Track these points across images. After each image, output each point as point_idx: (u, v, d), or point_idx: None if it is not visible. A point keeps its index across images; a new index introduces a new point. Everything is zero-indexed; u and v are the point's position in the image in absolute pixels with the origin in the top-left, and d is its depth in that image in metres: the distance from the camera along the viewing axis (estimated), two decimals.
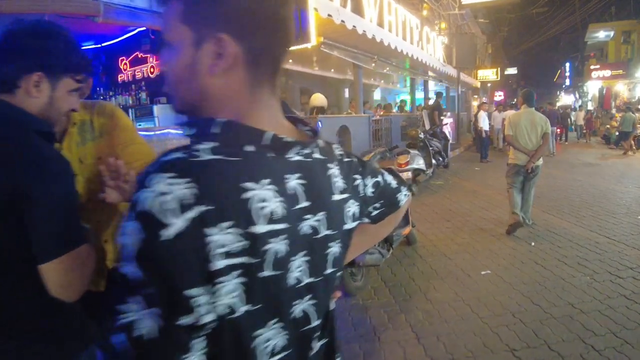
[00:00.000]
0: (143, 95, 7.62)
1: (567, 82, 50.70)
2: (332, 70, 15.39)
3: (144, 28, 7.58)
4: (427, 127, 11.39)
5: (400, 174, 8.02)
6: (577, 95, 42.37)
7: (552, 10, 27.94)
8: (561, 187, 8.75)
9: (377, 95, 22.96)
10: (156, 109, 7.23)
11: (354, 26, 8.37)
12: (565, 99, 54.26)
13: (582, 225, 5.89)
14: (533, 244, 5.13)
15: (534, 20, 30.77)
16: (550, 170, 11.02)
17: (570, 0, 26.87)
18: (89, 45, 9.26)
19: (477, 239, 5.43)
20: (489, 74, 26.75)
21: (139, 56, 8.30)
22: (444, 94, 21.78)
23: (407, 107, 16.85)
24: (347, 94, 17.30)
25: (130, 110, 7.85)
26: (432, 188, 8.99)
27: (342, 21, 7.55)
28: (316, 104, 11.91)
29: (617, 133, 16.41)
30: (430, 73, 17.20)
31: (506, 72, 40.95)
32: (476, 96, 27.09)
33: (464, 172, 11.12)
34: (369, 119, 11.31)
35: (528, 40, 33.40)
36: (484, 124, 13.13)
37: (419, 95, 19.46)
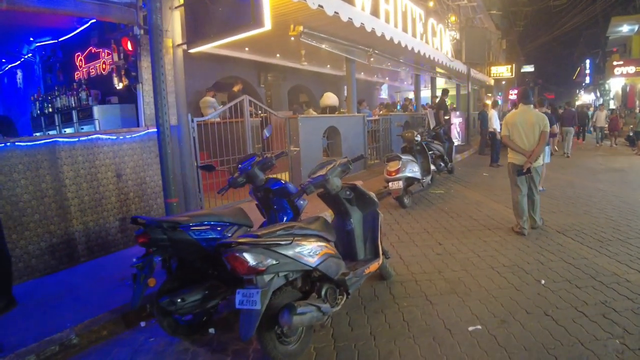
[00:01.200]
0: (83, 94, 6.60)
1: (587, 80, 48.73)
2: (329, 66, 14.29)
3: (94, 20, 6.67)
4: (433, 127, 10.25)
5: (390, 183, 6.91)
6: (598, 94, 40.42)
7: (572, 3, 26.30)
8: (581, 198, 7.51)
9: (384, 93, 21.78)
10: (97, 110, 6.25)
11: (336, 12, 7.26)
12: (584, 98, 52.24)
13: (608, 253, 4.69)
14: (543, 282, 3.97)
15: (551, 13, 29.22)
16: (568, 176, 9.76)
17: None
18: (45, 41, 8.35)
19: (472, 273, 4.28)
20: (503, 71, 25.37)
21: (92, 51, 7.32)
22: (454, 92, 20.60)
23: (414, 106, 15.69)
24: (346, 92, 16.20)
25: (73, 113, 6.89)
26: (429, 198, 7.84)
27: (320, 6, 6.44)
28: (328, 103, 11.21)
29: (631, 133, 16.12)
30: (438, 69, 15.99)
31: (522, 70, 39.31)
32: (490, 94, 25.69)
33: (469, 179, 9.91)
34: (363, 119, 10.19)
35: (545, 34, 31.73)
36: (495, 124, 11.87)
37: (427, 93, 18.31)
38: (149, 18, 4.20)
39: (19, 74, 9.52)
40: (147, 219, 3.05)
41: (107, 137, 5.19)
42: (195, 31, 5.92)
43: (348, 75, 10.21)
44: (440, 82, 20.84)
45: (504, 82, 29.61)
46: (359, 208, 3.84)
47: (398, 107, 14.69)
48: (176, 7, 5.92)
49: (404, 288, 3.98)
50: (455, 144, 15.29)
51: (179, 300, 3.05)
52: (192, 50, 6.15)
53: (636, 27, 26.28)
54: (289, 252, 2.75)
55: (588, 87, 49.07)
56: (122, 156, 5.33)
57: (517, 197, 5.46)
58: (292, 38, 8.19)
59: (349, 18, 7.63)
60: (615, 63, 25.70)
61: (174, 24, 5.94)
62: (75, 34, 7.74)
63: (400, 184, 6.80)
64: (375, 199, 3.87)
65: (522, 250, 4.87)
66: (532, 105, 5.55)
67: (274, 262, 2.64)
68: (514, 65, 25.99)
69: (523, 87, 6.54)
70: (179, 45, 5.95)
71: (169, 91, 5.75)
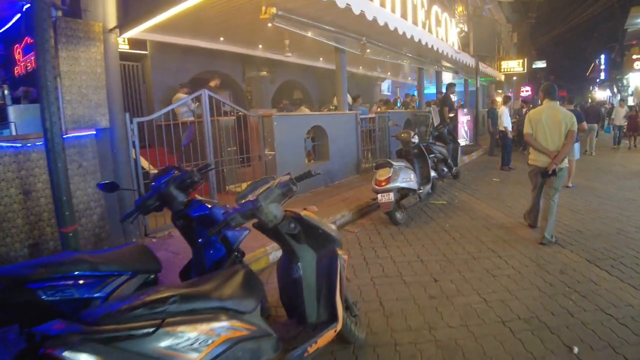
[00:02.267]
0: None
1: (602, 75, 46.96)
2: (321, 59, 13.11)
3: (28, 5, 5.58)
4: (435, 125, 9.05)
5: (379, 196, 5.73)
6: (615, 90, 38.69)
7: None
8: (609, 211, 6.26)
9: (386, 89, 20.54)
10: (12, 111, 5.16)
11: None
12: (599, 95, 50.45)
13: None
14: (576, 350, 2.76)
15: (565, 4, 27.68)
16: (589, 181, 8.51)
17: None
18: None
19: (475, 331, 3.08)
20: (514, 66, 23.91)
21: (28, 42, 6.25)
22: (462, 89, 19.30)
23: (416, 103, 14.45)
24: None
25: None
26: (429, 211, 6.64)
27: None
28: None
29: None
30: (444, 63, 14.72)
31: (534, 66, 37.74)
32: (500, 90, 24.29)
33: (477, 185, 8.68)
34: (356, 117, 8.99)
35: (559, 26, 30.10)
36: (506, 122, 10.62)
37: (434, 89, 17.05)
38: None
39: None
40: None
41: (9, 144, 4.07)
42: (125, 12, 4.79)
43: (338, 67, 9.03)
44: (448, 78, 19.59)
45: (514, 78, 28.09)
46: (310, 246, 2.63)
47: (398, 104, 13.43)
48: None
49: (376, 358, 2.80)
50: (463, 144, 14.06)
51: None
52: (126, 35, 5.04)
53: None
54: (151, 348, 1.60)
55: (603, 84, 47.32)
56: (30, 168, 4.21)
57: (533, 200, 5.34)
58: (270, 24, 7.02)
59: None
60: (635, 57, 24.24)
61: (106, 6, 4.81)
62: (13, 24, 6.69)
63: (391, 196, 5.61)
64: (334, 235, 2.67)
65: (543, 292, 3.66)
66: (557, 102, 4.99)
67: None
68: (525, 59, 24.49)
69: (548, 82, 5.56)
70: (110, 30, 4.81)
71: (98, 86, 4.67)
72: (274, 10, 6.60)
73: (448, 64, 15.35)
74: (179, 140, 5.43)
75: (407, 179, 5.88)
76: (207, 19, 7.46)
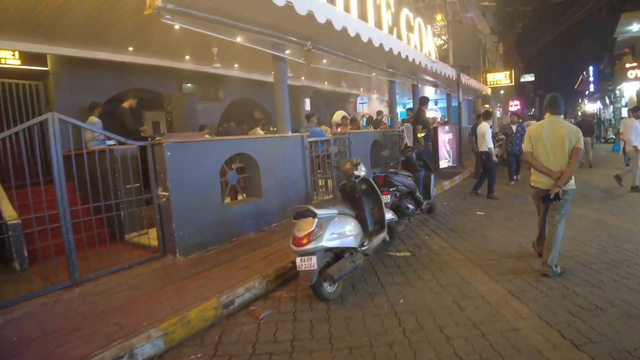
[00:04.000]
0: None
1: (592, 88, 45.93)
2: (291, 74, 11.34)
3: None
4: (402, 148, 7.24)
5: (298, 260, 3.81)
6: (607, 101, 37.40)
7: (574, 1, 23.43)
8: (637, 262, 4.42)
9: (362, 106, 18.81)
10: None
11: None
12: (589, 107, 49.40)
13: None
14: None
15: (552, 13, 26.49)
16: (595, 211, 6.66)
17: None
18: None
19: None
20: (501, 78, 22.42)
21: None
22: (445, 104, 17.62)
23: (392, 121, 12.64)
24: (307, 105, 13.22)
25: None
26: (381, 271, 4.72)
27: None
28: (336, 121, 9.93)
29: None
30: (424, 76, 13.03)
31: (522, 80, 36.51)
32: (487, 105, 22.70)
33: (456, 222, 6.80)
34: (302, 140, 7.14)
35: (546, 35, 28.78)
36: (488, 141, 8.85)
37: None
38: None
39: None
40: None
41: None
42: None
43: (276, 79, 7.20)
44: (429, 92, 17.96)
45: (502, 92, 26.65)
46: None
47: (363, 123, 11.59)
48: None
49: None
50: (445, 165, 12.27)
51: None
52: None
53: None
54: None
55: (593, 95, 46.22)
56: None
57: (540, 224, 4.69)
58: (170, 23, 5.22)
59: None
60: (628, 65, 22.76)
61: None
62: None
63: (313, 261, 3.70)
64: None
65: None
66: (562, 116, 4.41)
67: None
68: (512, 71, 23.00)
69: (552, 93, 4.52)
70: None
71: None
72: (158, 2, 4.79)
73: (428, 77, 13.69)
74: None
75: (340, 233, 3.98)
76: (79, 21, 5.70)
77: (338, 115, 13.45)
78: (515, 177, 10.43)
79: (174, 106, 8.22)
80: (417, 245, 5.63)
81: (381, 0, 9.17)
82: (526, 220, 6.58)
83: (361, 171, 4.73)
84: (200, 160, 5.32)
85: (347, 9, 7.56)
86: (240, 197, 6.54)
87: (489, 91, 22.34)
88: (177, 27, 5.45)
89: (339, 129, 10.12)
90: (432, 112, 21.27)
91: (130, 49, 7.63)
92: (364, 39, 7.33)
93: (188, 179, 5.14)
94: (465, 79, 15.12)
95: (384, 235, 4.80)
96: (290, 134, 7.08)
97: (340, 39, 7.27)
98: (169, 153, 4.91)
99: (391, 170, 6.04)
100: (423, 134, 8.28)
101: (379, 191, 4.88)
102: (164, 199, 4.99)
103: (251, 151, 6.12)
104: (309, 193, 7.20)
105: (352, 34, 6.92)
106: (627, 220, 6.41)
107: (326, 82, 13.09)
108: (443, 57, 14.21)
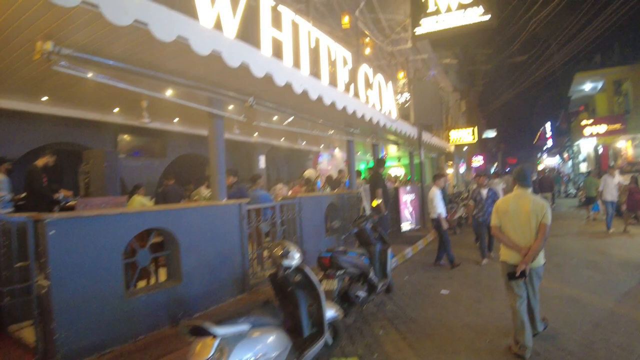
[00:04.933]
0: None
1: (550, 143, 47.58)
2: (237, 130, 10.56)
3: None
4: (355, 219, 6.35)
5: None
6: (566, 156, 38.48)
7: (532, 60, 24.22)
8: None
9: (325, 163, 18.11)
10: None
11: (137, 21, 3.62)
12: (548, 161, 50.97)
13: None
14: None
15: (510, 72, 27.33)
16: (568, 286, 5.83)
17: (550, 49, 23.16)
18: None
19: None
20: (463, 135, 22.40)
21: None
22: (408, 161, 17.16)
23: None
24: (262, 163, 12.37)
25: None
26: None
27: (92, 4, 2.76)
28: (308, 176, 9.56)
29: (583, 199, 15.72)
30: (385, 134, 12.50)
31: (484, 136, 37.24)
32: (450, 162, 22.54)
33: (417, 306, 5.86)
34: (239, 209, 6.17)
35: (506, 93, 29.53)
36: (439, 207, 8.18)
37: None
38: None
39: None
40: None
41: None
42: None
43: (212, 138, 6.28)
44: (394, 149, 17.54)
45: (465, 149, 26.76)
46: None
47: (318, 185, 10.76)
48: None
49: None
50: (407, 228, 11.48)
51: None
52: None
53: (600, 85, 24.43)
54: None
55: (551, 150, 47.78)
56: None
57: (515, 305, 4.15)
58: (68, 72, 4.30)
59: (179, 36, 4.00)
60: (584, 123, 23.39)
61: None
62: None
63: None
64: None
65: None
66: (530, 189, 4.28)
67: None
68: (475, 128, 23.10)
69: (520, 166, 4.45)
70: None
71: None
72: (49, 46, 3.90)
73: (392, 136, 13.20)
74: None
75: (256, 356, 2.96)
76: None
77: (309, 174, 12.66)
78: (488, 254, 8.64)
79: (92, 165, 7.15)
80: (369, 345, 4.60)
81: (337, 56, 8.67)
82: (496, 302, 5.75)
83: (293, 259, 3.76)
84: (98, 238, 4.25)
85: (297, 64, 6.93)
86: (154, 281, 5.42)
87: (452, 148, 22.24)
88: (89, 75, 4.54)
89: (289, 192, 9.23)
90: (397, 169, 20.91)
91: (45, 98, 6.65)
92: (313, 96, 6.64)
93: (79, 263, 4.05)
94: (427, 137, 14.73)
95: (323, 342, 3.79)
96: (223, 201, 6.10)
97: (287, 95, 6.55)
98: (52, 232, 3.84)
99: (338, 249, 5.11)
100: (379, 201, 7.47)
101: (317, 285, 3.90)
102: (44, 290, 3.87)
103: (169, 224, 5.09)
104: (246, 273, 6.14)
105: (298, 91, 6.22)
106: (607, 298, 5.66)
107: (283, 139, 12.33)
108: (405, 114, 13.85)
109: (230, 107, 7.18)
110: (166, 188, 8.83)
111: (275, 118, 8.54)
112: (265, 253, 6.83)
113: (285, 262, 3.70)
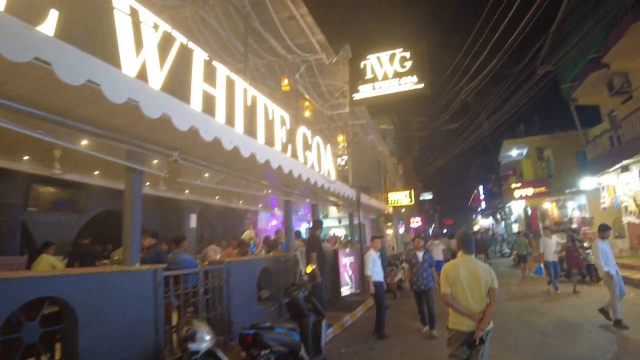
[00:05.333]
0: None
1: (483, 205, 49.86)
2: (164, 187, 9.85)
3: None
4: (285, 288, 5.84)
5: None
6: (499, 217, 40.32)
7: (464, 128, 25.68)
8: None
9: (264, 223, 17.51)
10: None
11: (37, 59, 3.16)
12: (482, 222, 53.23)
13: None
14: None
15: (444, 138, 28.82)
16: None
17: (479, 118, 24.73)
18: None
19: None
20: (401, 197, 22.85)
21: None
22: (347, 222, 17.00)
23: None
24: (193, 223, 11.63)
25: None
26: None
27: None
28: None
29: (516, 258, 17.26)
30: (324, 195, 12.28)
31: (421, 198, 38.41)
32: (389, 223, 22.71)
33: None
34: (153, 275, 5.48)
35: (441, 158, 30.89)
36: (373, 270, 7.92)
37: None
38: None
39: None
40: None
41: None
42: None
43: (128, 196, 5.67)
44: (334, 210, 17.35)
45: (403, 210, 27.27)
46: None
47: (251, 247, 10.17)
48: None
49: None
50: (347, 292, 11.01)
51: None
52: None
53: (525, 151, 26.26)
54: None
55: (485, 212, 49.98)
56: None
57: None
58: None
59: (90, 80, 3.54)
60: (513, 186, 24.86)
61: None
62: None
63: None
64: None
65: None
66: (474, 254, 4.29)
67: None
68: (412, 191, 23.69)
69: (463, 231, 4.50)
70: None
71: None
72: None
73: (328, 196, 13.00)
74: None
75: None
76: None
77: (246, 235, 12.00)
78: (429, 329, 7.62)
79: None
80: None
81: (274, 116, 8.50)
82: None
83: (202, 342, 3.20)
84: None
85: (230, 121, 6.64)
86: None
87: (391, 210, 22.49)
88: None
89: (217, 256, 8.57)
90: (338, 230, 20.68)
91: None
92: (245, 153, 6.25)
93: None
94: (365, 199, 14.70)
95: None
96: (136, 266, 5.38)
97: (217, 151, 6.13)
98: None
99: (264, 324, 4.54)
100: (314, 266, 7.01)
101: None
102: None
103: (65, 292, 4.32)
104: (160, 350, 5.34)
105: (228, 147, 5.82)
106: None
107: (217, 197, 11.73)
108: (344, 177, 13.83)
109: (155, 161, 6.63)
110: (80, 247, 7.92)
111: (207, 175, 8.02)
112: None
113: (193, 346, 3.12)
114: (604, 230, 7.87)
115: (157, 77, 5.30)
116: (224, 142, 5.70)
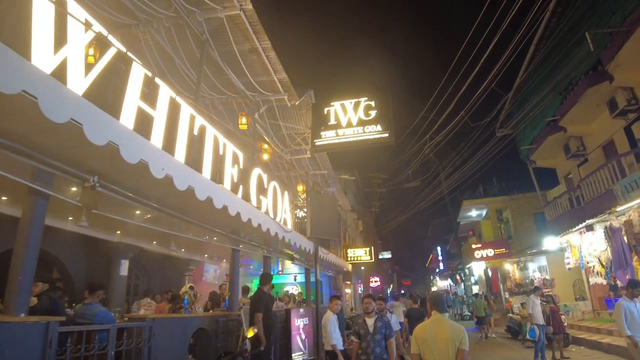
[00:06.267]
0: None
1: (441, 266, 49.59)
2: (86, 223, 8.43)
3: None
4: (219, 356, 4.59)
5: None
6: (458, 278, 39.79)
7: (424, 186, 25.55)
8: None
9: (211, 276, 15.92)
10: None
11: None
12: (440, 284, 52.74)
13: None
14: None
15: (403, 197, 28.62)
16: None
17: (438, 177, 24.71)
18: None
19: None
20: (361, 254, 21.92)
21: None
22: (303, 279, 15.75)
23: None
24: (123, 270, 10.07)
25: None
26: None
27: None
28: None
29: (475, 320, 17.14)
30: (279, 247, 11.17)
31: (380, 257, 37.63)
32: (348, 282, 21.53)
33: None
34: (44, 330, 4.14)
35: (400, 216, 30.45)
36: (334, 335, 6.79)
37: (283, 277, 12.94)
38: None
39: None
40: None
41: None
42: None
43: (25, 222, 4.38)
44: (290, 265, 16.15)
45: (362, 268, 26.25)
46: None
47: (185, 302, 8.70)
48: None
49: None
50: (300, 359, 9.63)
51: None
52: None
53: (484, 212, 26.25)
54: None
55: (443, 273, 49.63)
56: None
57: None
58: None
59: None
60: (474, 246, 24.51)
61: None
62: None
63: None
64: None
65: None
66: (446, 314, 4.39)
67: None
68: (372, 248, 22.84)
69: (434, 292, 3.08)
70: None
71: None
72: None
73: (288, 250, 11.90)
74: None
75: None
76: None
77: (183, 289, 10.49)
78: None
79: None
80: None
81: (226, 151, 7.56)
82: None
83: None
84: None
85: (170, 147, 5.65)
86: None
87: (350, 267, 21.42)
88: None
89: (142, 311, 7.17)
90: (292, 287, 19.35)
91: None
92: (180, 186, 5.18)
93: None
94: (324, 253, 13.64)
95: None
96: (19, 317, 4.03)
97: (145, 181, 5.06)
98: None
99: None
100: (255, 330, 5.74)
101: None
102: None
103: None
104: None
105: (158, 175, 4.75)
106: None
107: (154, 242, 10.33)
108: (302, 229, 12.84)
109: (73, 189, 5.41)
110: None
111: (137, 212, 6.79)
112: None
113: None
114: (634, 286, 6.30)
115: (79, 81, 4.38)
116: (153, 168, 4.64)
